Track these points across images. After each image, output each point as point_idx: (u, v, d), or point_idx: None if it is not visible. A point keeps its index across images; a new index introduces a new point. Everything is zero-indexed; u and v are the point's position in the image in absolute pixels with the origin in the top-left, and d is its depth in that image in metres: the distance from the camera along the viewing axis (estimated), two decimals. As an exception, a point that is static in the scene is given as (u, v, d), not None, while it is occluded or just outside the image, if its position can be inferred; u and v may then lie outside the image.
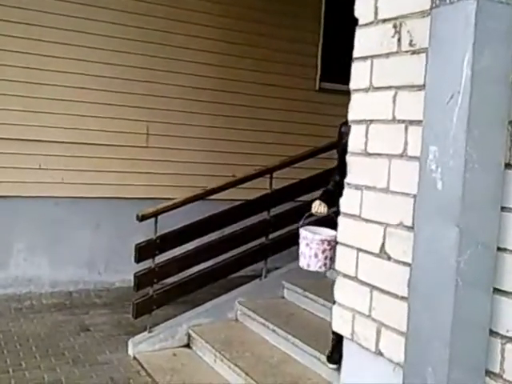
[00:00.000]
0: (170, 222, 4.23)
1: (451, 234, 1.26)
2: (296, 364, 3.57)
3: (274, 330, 3.89)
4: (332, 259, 2.89)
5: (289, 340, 3.71)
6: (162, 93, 5.76)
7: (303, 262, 2.97)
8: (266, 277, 4.63)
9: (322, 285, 4.07)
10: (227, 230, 4.47)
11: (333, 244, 2.88)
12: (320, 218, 3.34)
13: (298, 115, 6.36)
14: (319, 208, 3.28)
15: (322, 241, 2.91)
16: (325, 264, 2.94)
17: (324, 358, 3.33)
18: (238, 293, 4.49)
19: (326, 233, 2.95)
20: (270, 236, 4.62)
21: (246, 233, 4.46)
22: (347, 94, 6.60)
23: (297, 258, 4.75)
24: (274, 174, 4.56)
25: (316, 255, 2.94)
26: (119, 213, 5.66)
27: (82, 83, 5.40)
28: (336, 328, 1.92)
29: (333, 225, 2.69)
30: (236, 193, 4.56)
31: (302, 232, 2.97)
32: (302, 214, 4.65)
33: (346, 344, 1.91)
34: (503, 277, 1.33)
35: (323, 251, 2.92)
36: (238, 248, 4.46)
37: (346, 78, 6.83)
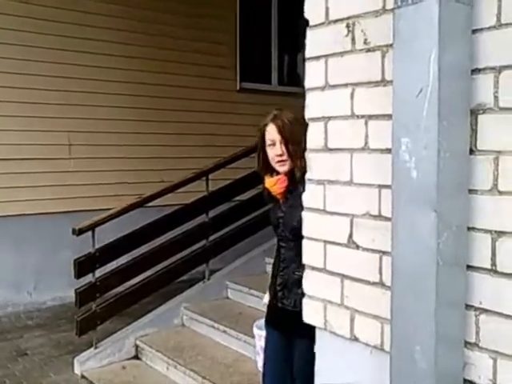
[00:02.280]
0: (108, 234, 4.15)
1: (430, 219, 1.35)
2: (251, 362, 3.61)
3: (224, 331, 3.92)
4: None
5: (240, 339, 3.76)
6: (81, 101, 5.60)
7: None
8: (209, 279, 4.64)
9: (264, 281, 4.14)
10: (167, 236, 4.43)
11: None
12: None
13: (220, 116, 6.41)
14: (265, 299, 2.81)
15: (260, 336, 2.58)
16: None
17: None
18: (183, 298, 4.47)
19: None
20: (211, 238, 4.63)
21: (186, 237, 4.45)
22: (266, 92, 6.73)
23: (237, 257, 4.83)
24: (210, 176, 4.58)
25: (258, 353, 2.62)
26: (44, 229, 5.45)
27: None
28: (308, 319, 1.98)
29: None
30: (174, 198, 4.53)
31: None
32: (239, 213, 4.75)
33: (318, 334, 1.97)
34: (473, 254, 1.44)
35: (261, 348, 2.57)
36: (179, 253, 4.43)
37: (264, 77, 6.95)
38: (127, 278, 4.17)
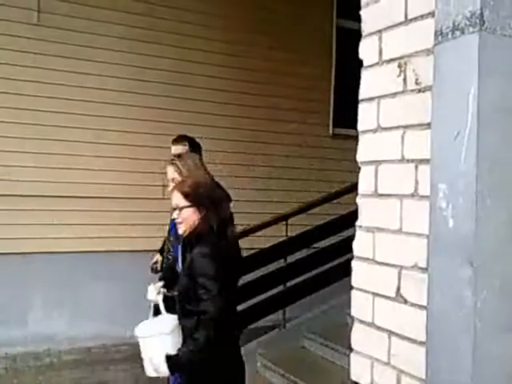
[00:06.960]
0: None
1: (465, 273, 1.21)
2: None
3: (295, 382, 3.78)
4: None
5: (311, 392, 3.60)
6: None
7: None
8: (285, 326, 4.52)
9: (343, 333, 3.95)
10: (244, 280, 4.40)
11: None
12: None
13: (312, 162, 6.37)
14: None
15: None
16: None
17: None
18: (258, 344, 4.39)
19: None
20: (288, 284, 4.54)
21: (262, 282, 4.38)
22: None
23: (316, 305, 4.68)
24: (290, 221, 4.52)
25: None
26: (138, 265, 5.63)
27: (96, 138, 5.50)
28: (355, 377, 1.84)
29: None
30: (252, 241, 4.51)
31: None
32: (318, 260, 4.62)
33: (366, 394, 1.82)
34: (525, 316, 1.27)
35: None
36: (254, 298, 4.38)
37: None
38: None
